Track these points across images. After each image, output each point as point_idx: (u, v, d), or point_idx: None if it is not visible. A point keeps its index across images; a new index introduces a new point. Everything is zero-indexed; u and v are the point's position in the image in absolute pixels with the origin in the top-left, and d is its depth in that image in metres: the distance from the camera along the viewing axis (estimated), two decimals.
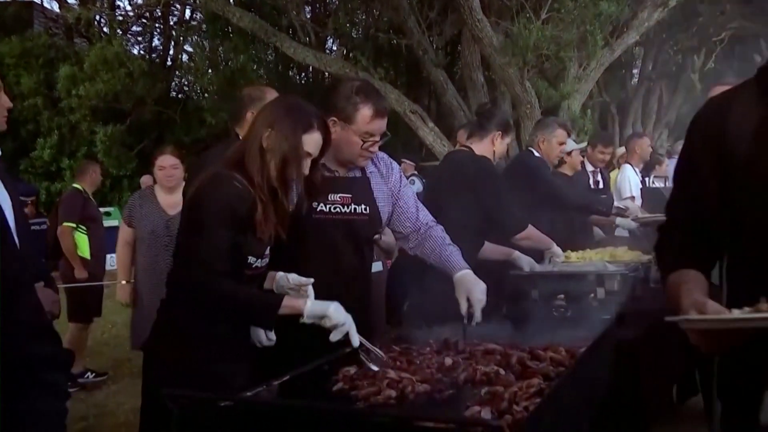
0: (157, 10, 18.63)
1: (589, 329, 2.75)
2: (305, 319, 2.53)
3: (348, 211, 2.97)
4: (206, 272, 2.49)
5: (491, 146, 4.23)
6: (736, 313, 1.40)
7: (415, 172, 10.35)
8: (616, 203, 5.96)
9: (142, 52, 21.37)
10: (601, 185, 6.46)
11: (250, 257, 2.60)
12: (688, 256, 1.71)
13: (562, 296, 3.60)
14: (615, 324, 3.00)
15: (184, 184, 5.33)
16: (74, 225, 6.82)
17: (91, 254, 6.94)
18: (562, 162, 5.56)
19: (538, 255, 4.27)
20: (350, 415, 1.94)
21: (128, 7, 20.49)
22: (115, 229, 5.76)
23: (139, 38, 21.80)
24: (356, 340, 2.52)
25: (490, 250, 4.12)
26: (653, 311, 3.30)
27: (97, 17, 17.96)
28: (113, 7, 19.55)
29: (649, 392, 3.33)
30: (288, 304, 2.54)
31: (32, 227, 7.38)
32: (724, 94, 1.72)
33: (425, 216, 3.22)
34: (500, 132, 4.23)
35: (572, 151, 5.63)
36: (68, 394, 1.57)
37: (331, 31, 13.55)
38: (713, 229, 1.66)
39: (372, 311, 3.29)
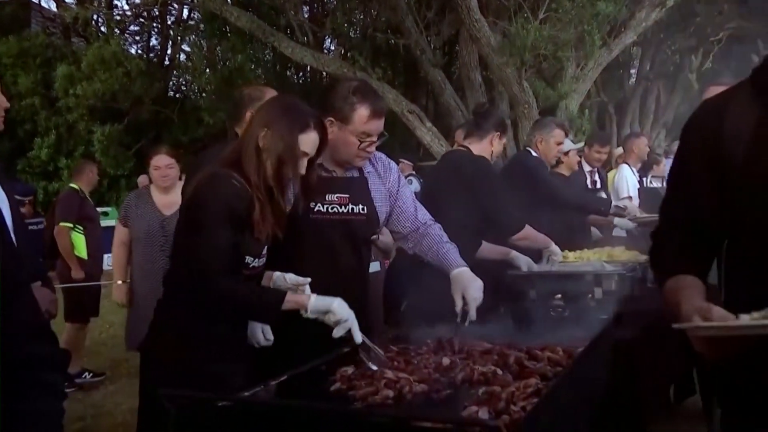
0: (155, 10, 18.63)
1: (587, 329, 2.75)
2: (308, 314, 2.53)
3: (345, 211, 2.97)
4: (207, 270, 2.48)
5: (490, 146, 4.24)
6: (745, 319, 1.37)
7: (413, 172, 10.34)
8: (614, 203, 5.97)
9: (139, 51, 21.36)
10: (598, 185, 6.46)
11: (247, 257, 2.60)
12: (685, 259, 1.70)
13: (559, 296, 3.61)
14: (612, 324, 3.00)
15: (182, 183, 5.34)
16: (71, 225, 6.80)
17: (88, 254, 6.92)
18: (559, 162, 5.57)
19: (537, 254, 4.27)
20: (348, 416, 1.94)
21: (126, 7, 20.49)
22: (113, 228, 5.75)
23: (137, 38, 21.79)
24: (359, 336, 2.53)
25: (488, 249, 4.12)
26: (651, 311, 3.30)
27: (95, 17, 17.98)
28: (111, 6, 19.53)
29: (647, 392, 3.34)
30: (291, 299, 2.55)
31: (30, 227, 7.37)
32: (718, 96, 1.72)
33: (424, 215, 3.23)
34: (499, 133, 4.24)
35: (569, 151, 5.63)
36: (65, 394, 1.57)
37: (329, 30, 13.53)
38: (710, 231, 1.65)
39: (369, 311, 3.29)
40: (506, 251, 4.12)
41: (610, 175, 7.40)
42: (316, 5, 16.70)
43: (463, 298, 2.97)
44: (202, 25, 16.40)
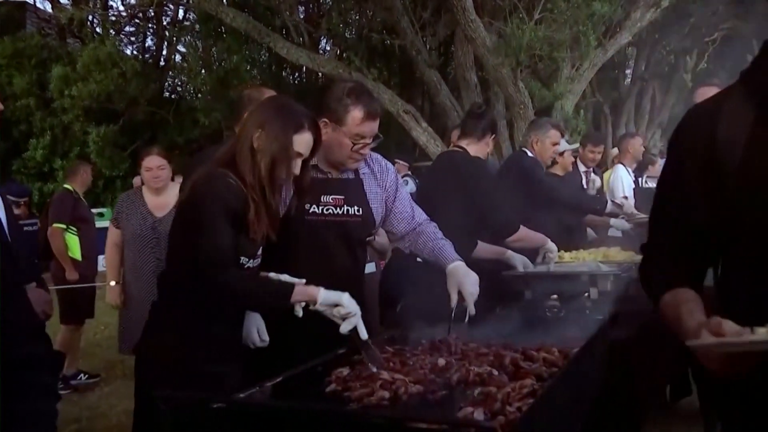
0: (150, 11, 18.63)
1: (582, 330, 2.75)
2: (318, 306, 2.53)
3: (341, 212, 2.97)
4: (213, 264, 2.48)
5: (485, 147, 4.25)
6: (762, 332, 1.31)
7: (409, 173, 10.34)
8: (609, 203, 5.97)
9: (135, 52, 21.35)
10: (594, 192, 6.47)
11: (242, 258, 2.60)
12: (680, 270, 1.68)
13: (555, 296, 3.61)
14: (608, 324, 3.00)
15: (174, 184, 5.33)
16: (64, 226, 6.75)
17: (83, 255, 6.88)
18: (553, 162, 5.57)
19: (533, 254, 4.27)
20: (343, 417, 1.93)
21: (121, 8, 20.58)
22: (108, 229, 5.73)
23: (132, 38, 21.78)
24: (364, 332, 2.53)
25: (484, 249, 4.13)
26: (646, 311, 3.30)
27: (90, 17, 17.96)
28: (106, 7, 19.56)
29: (643, 392, 3.34)
30: (301, 290, 2.54)
31: (24, 228, 7.37)
32: (708, 101, 1.70)
33: (420, 215, 3.23)
34: (494, 135, 4.26)
35: (564, 151, 5.63)
36: (58, 395, 1.57)
37: (325, 31, 13.55)
38: (705, 236, 1.62)
39: (365, 312, 3.27)
40: (502, 251, 4.13)
41: (605, 175, 7.41)
42: (311, 6, 16.71)
43: (460, 293, 2.97)
44: (197, 26, 16.42)
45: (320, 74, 15.22)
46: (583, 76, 10.52)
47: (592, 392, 2.67)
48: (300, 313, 2.55)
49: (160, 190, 5.32)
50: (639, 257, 1.84)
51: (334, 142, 2.91)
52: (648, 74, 16.14)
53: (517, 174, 5.08)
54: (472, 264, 3.12)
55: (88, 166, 7.66)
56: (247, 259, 2.61)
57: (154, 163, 5.34)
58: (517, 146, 8.77)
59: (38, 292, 3.85)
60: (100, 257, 7.29)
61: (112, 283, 5.42)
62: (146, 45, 22.09)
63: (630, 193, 6.99)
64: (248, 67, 15.14)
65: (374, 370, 2.33)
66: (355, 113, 2.88)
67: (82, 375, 6.78)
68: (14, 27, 19.62)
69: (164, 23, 20.90)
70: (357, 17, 15.03)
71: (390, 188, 3.15)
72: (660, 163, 8.07)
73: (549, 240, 4.30)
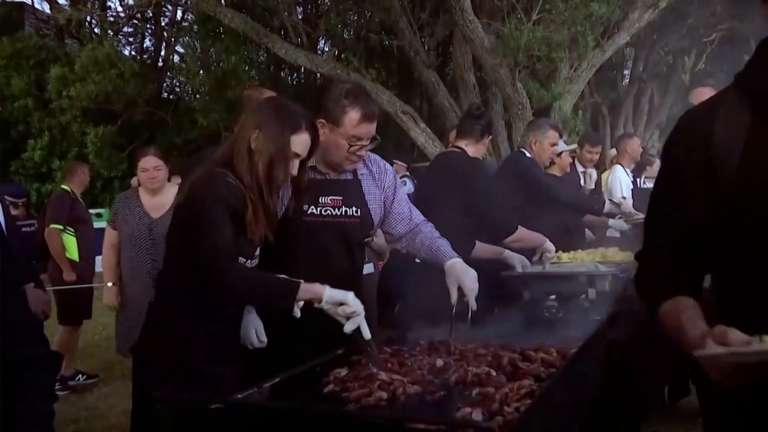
0: (149, 11, 18.63)
1: (581, 330, 2.75)
2: (323, 304, 2.51)
3: (339, 213, 2.97)
4: (217, 260, 2.47)
5: (483, 148, 4.26)
6: None
7: (407, 173, 10.34)
8: (607, 203, 5.98)
9: (133, 53, 21.31)
10: (592, 185, 6.48)
11: (240, 258, 2.60)
12: (679, 277, 1.66)
13: (553, 297, 3.60)
14: (606, 325, 3.00)
15: (171, 185, 5.32)
16: (61, 227, 6.74)
17: (80, 256, 6.87)
18: (551, 163, 5.58)
19: (531, 254, 4.27)
20: (341, 417, 1.93)
21: (119, 8, 20.51)
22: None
23: (131, 39, 21.73)
24: (368, 332, 2.53)
25: (482, 249, 4.13)
26: (644, 312, 3.30)
27: (88, 18, 17.94)
28: (104, 8, 19.51)
29: (641, 393, 3.34)
30: (306, 288, 2.53)
31: (23, 229, 7.36)
32: (702, 105, 1.68)
33: (417, 216, 3.23)
34: (491, 135, 4.27)
35: (562, 152, 5.64)
36: (55, 395, 1.57)
37: (323, 32, 13.54)
38: (703, 243, 1.60)
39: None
40: (500, 250, 4.13)
41: (603, 176, 7.41)
42: (309, 6, 16.70)
43: (459, 289, 2.97)
44: (195, 27, 16.39)
45: (319, 75, 15.21)
46: (582, 77, 10.52)
47: (591, 393, 2.67)
48: (298, 313, 2.54)
49: (157, 191, 5.29)
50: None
51: (331, 143, 2.90)
52: (646, 75, 16.14)
53: (516, 174, 5.09)
54: (471, 264, 3.12)
55: (85, 166, 7.65)
56: (244, 260, 2.61)
57: (150, 163, 5.30)
58: (516, 147, 8.77)
59: (36, 292, 3.85)
60: (98, 258, 7.29)
61: (109, 284, 5.40)
62: (144, 46, 22.09)
63: (628, 194, 7.00)
64: (246, 68, 15.11)
65: (375, 370, 2.33)
66: (352, 115, 2.87)
67: (80, 376, 6.78)
68: (12, 27, 19.59)
69: (162, 24, 20.88)
70: (355, 18, 15.02)
71: (388, 189, 3.15)
72: (658, 163, 8.07)
73: (547, 240, 4.30)
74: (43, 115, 18.33)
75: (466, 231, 3.97)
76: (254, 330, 2.82)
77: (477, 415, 1.87)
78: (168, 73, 21.34)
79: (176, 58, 20.94)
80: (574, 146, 6.34)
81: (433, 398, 2.12)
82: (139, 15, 19.60)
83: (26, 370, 1.48)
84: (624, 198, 6.81)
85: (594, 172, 6.41)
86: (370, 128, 2.93)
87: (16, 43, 18.70)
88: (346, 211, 2.98)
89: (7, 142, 18.20)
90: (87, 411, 5.96)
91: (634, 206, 6.36)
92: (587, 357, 2.58)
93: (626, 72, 17.40)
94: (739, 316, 1.49)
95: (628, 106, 16.50)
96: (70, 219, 6.84)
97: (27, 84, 18.22)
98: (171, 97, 21.04)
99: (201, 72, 15.76)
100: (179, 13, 20.02)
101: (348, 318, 2.51)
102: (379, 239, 3.79)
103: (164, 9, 19.23)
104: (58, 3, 19.38)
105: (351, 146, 2.90)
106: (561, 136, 5.51)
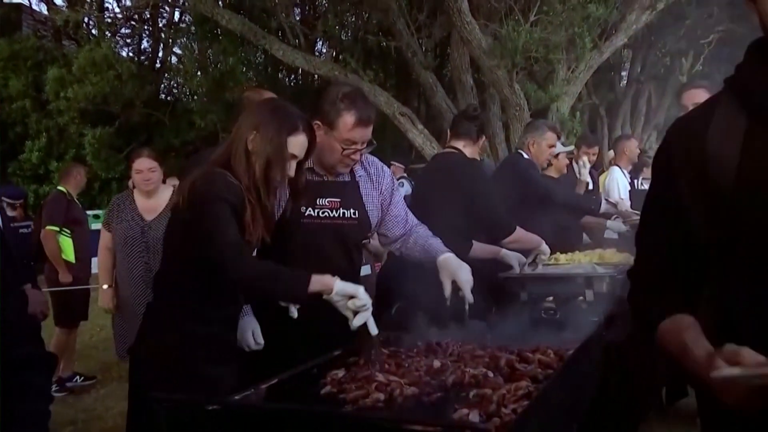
0: (146, 13, 18.64)
1: (578, 331, 2.75)
2: (333, 295, 2.48)
3: (336, 215, 2.97)
4: (236, 255, 2.47)
5: (479, 149, 4.26)
6: None
7: (405, 175, 10.34)
8: (604, 203, 5.99)
9: (130, 54, 21.29)
10: (590, 186, 6.47)
11: None
12: (677, 294, 1.62)
13: (551, 298, 3.60)
14: (604, 326, 3.00)
15: (171, 187, 5.30)
16: (57, 229, 6.73)
17: (76, 257, 6.86)
18: (549, 164, 5.59)
19: (527, 255, 4.27)
20: (338, 419, 1.93)
21: (117, 10, 20.52)
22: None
23: (128, 40, 21.71)
24: (374, 328, 2.52)
25: (479, 249, 4.12)
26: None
27: (86, 19, 17.95)
28: (102, 9, 19.48)
29: (639, 394, 3.34)
30: (317, 279, 2.50)
31: (20, 230, 7.36)
32: (693, 112, 1.67)
33: (412, 219, 3.25)
34: (485, 136, 4.27)
35: (559, 153, 5.65)
36: (51, 396, 1.57)
37: (321, 33, 13.51)
38: (699, 256, 1.57)
39: None
40: (496, 250, 4.13)
41: (601, 177, 7.41)
42: (307, 8, 16.70)
43: (454, 282, 2.96)
44: (193, 28, 16.38)
45: (316, 76, 15.19)
46: (579, 78, 10.53)
47: (588, 394, 2.68)
48: (295, 314, 2.54)
49: (151, 193, 5.23)
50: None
51: (326, 145, 2.90)
52: (644, 76, 16.17)
53: (513, 175, 5.09)
54: (469, 264, 3.12)
55: (81, 167, 7.64)
56: None
57: (144, 165, 5.24)
58: (513, 148, 8.78)
59: (34, 293, 3.85)
60: (94, 259, 7.29)
61: (105, 286, 5.36)
62: (142, 47, 22.07)
63: (626, 195, 6.99)
64: (244, 69, 15.08)
65: (372, 371, 2.32)
66: (347, 118, 2.87)
67: (77, 377, 6.77)
68: (10, 29, 19.58)
69: (160, 25, 20.91)
70: (353, 19, 15.02)
71: (386, 191, 3.15)
72: None
73: (543, 242, 4.30)
74: (40, 116, 18.32)
75: (464, 231, 3.97)
76: (251, 332, 2.82)
77: (474, 417, 1.87)
78: (165, 75, 21.32)
79: (174, 59, 20.95)
80: (572, 148, 6.35)
81: (430, 400, 2.11)
82: (136, 16, 19.62)
83: (25, 370, 1.48)
84: (621, 199, 6.82)
85: (586, 160, 6.35)
86: (365, 132, 2.92)
87: (14, 44, 18.68)
88: (343, 213, 2.98)
89: (5, 143, 18.18)
90: (84, 412, 5.96)
91: (631, 208, 6.36)
92: (585, 358, 2.58)
93: (624, 73, 17.44)
94: (739, 317, 1.48)
95: (625, 107, 16.54)
96: (66, 220, 6.82)
97: (24, 85, 18.21)
98: (168, 98, 21.03)
99: (198, 73, 15.73)
100: (177, 15, 20.07)
101: (356, 312, 2.48)
102: (376, 241, 3.80)
103: (162, 10, 19.26)
104: (55, 4, 19.38)
105: (345, 149, 2.89)
106: (559, 138, 5.52)
